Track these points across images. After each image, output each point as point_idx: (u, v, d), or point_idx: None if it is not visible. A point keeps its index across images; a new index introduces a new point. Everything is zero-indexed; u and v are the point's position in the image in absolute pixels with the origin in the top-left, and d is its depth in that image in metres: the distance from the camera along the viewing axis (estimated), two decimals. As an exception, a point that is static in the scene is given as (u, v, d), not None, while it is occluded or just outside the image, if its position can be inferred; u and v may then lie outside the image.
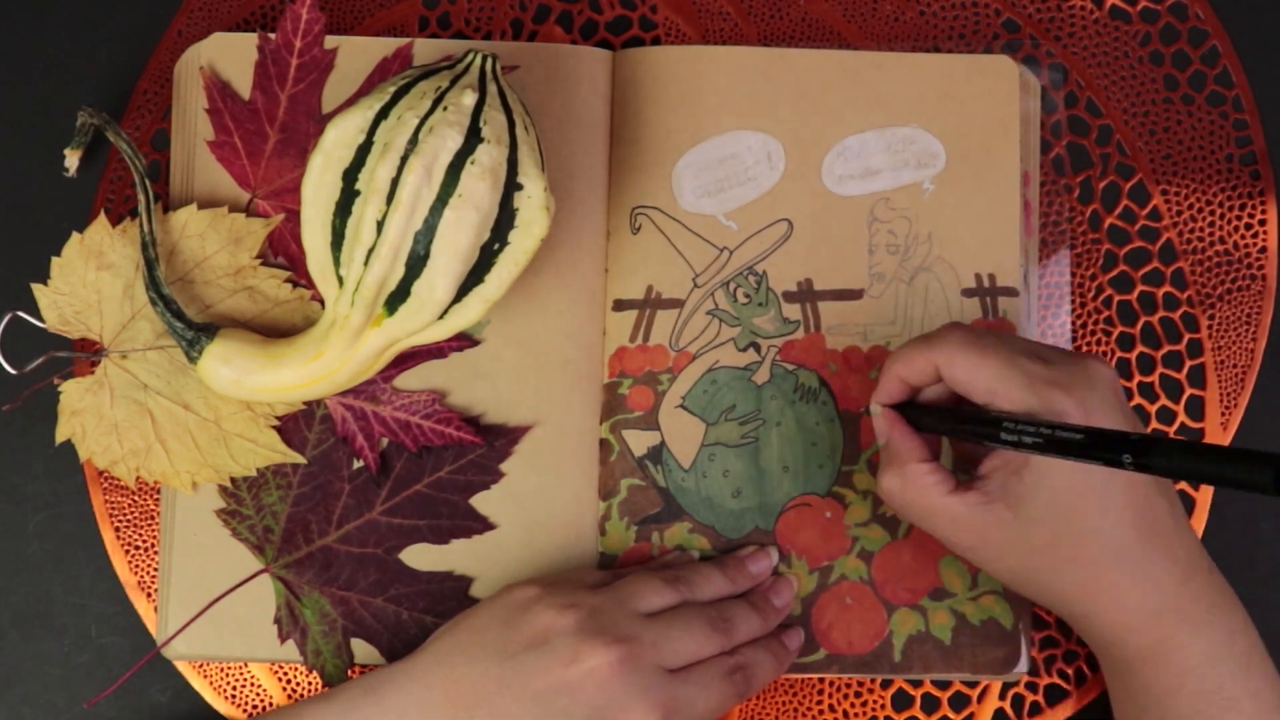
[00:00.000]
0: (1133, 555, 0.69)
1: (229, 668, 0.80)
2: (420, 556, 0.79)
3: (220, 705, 0.80)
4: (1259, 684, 0.70)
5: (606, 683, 0.70)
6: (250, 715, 0.80)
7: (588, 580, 0.75)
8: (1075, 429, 0.64)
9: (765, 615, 0.77)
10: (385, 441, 0.79)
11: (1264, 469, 0.55)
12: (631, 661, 0.70)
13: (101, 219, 0.78)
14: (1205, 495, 0.81)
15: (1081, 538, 0.69)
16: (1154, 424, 0.82)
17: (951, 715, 0.81)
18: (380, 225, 0.70)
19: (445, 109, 0.70)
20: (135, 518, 0.80)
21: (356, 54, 0.80)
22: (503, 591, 0.75)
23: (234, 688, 0.80)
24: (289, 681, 0.80)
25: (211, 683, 0.80)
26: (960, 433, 0.71)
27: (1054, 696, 0.81)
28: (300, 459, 0.78)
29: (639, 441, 0.80)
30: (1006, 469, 0.69)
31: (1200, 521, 0.81)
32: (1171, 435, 0.59)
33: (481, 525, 0.79)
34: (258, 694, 0.80)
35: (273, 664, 0.80)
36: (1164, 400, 0.82)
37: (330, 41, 0.80)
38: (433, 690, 0.71)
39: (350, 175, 0.71)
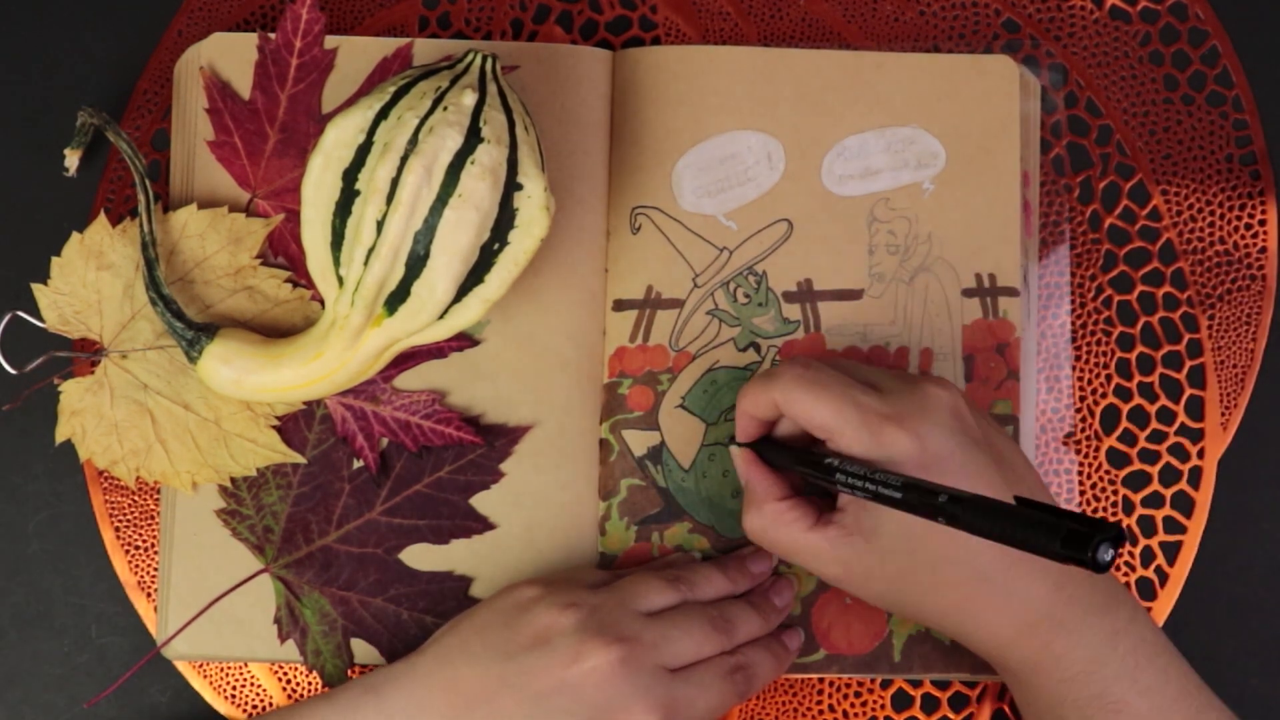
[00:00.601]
0: (995, 574, 0.69)
1: (229, 668, 0.80)
2: (420, 556, 0.79)
3: (220, 705, 0.80)
4: (1150, 680, 0.70)
5: (607, 682, 0.70)
6: (250, 715, 0.80)
7: (588, 580, 0.75)
8: (894, 482, 0.65)
9: (766, 615, 0.77)
10: (385, 441, 0.79)
11: (1052, 535, 0.55)
12: (632, 661, 0.70)
13: (101, 219, 0.78)
14: (1205, 496, 0.81)
15: (938, 564, 0.69)
16: (1154, 424, 0.82)
17: (951, 715, 0.81)
18: (380, 225, 0.70)
19: (445, 109, 0.70)
20: (135, 518, 0.80)
21: (356, 54, 0.80)
22: (504, 591, 0.75)
23: (234, 688, 0.80)
24: (289, 681, 0.80)
25: (211, 683, 0.80)
26: (805, 473, 0.72)
27: (1054, 696, 0.81)
28: (300, 459, 0.78)
29: (639, 441, 0.80)
30: (857, 502, 0.70)
31: (1199, 522, 0.81)
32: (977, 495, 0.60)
33: (481, 525, 0.79)
34: (258, 694, 0.80)
35: (273, 664, 0.80)
36: (1164, 400, 0.82)
37: (330, 41, 0.80)
38: (434, 690, 0.71)
39: (350, 175, 0.71)
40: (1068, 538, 0.54)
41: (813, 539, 0.71)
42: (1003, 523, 0.58)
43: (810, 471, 0.71)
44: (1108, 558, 0.54)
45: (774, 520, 0.73)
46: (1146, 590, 0.81)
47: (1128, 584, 0.80)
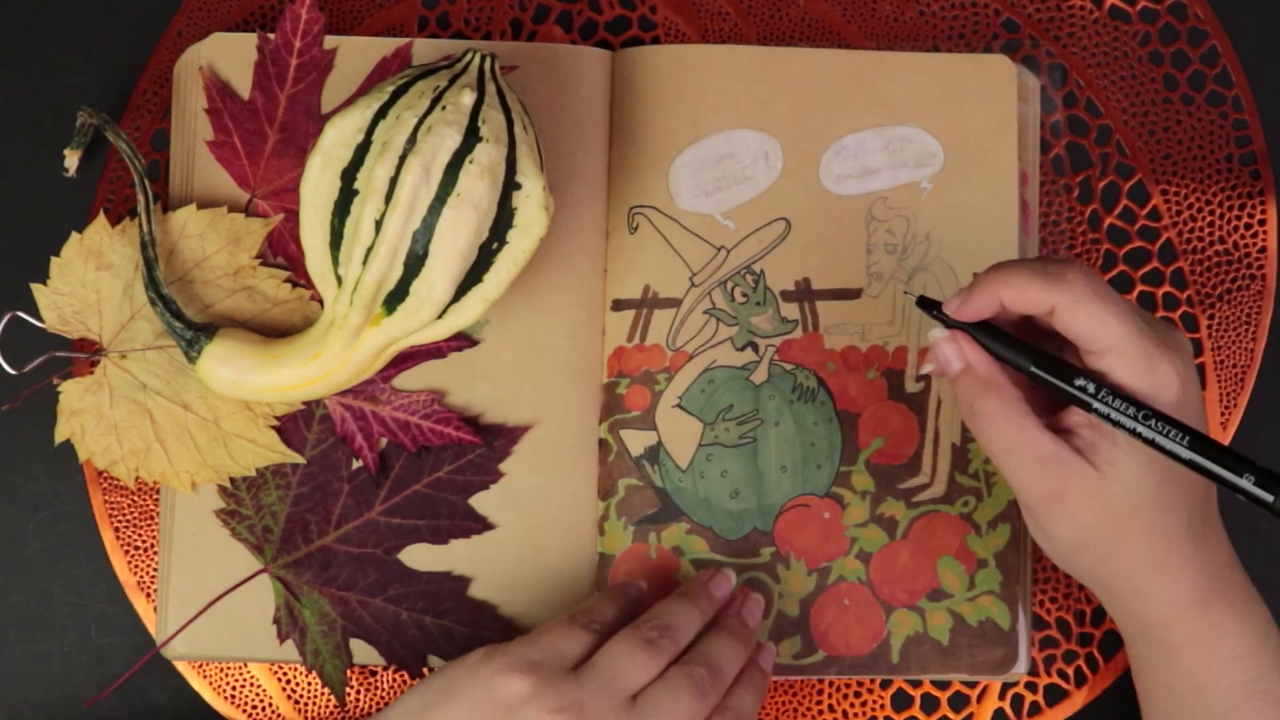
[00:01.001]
0: (1196, 536, 0.68)
1: (229, 668, 0.80)
2: (419, 556, 0.79)
3: (220, 705, 0.80)
4: None
5: None
6: (249, 715, 0.80)
7: (568, 653, 0.71)
8: (1190, 432, 0.63)
9: (745, 640, 0.74)
10: (384, 441, 0.79)
11: None
12: None
13: (101, 219, 0.78)
14: (1205, 496, 0.81)
15: (1164, 510, 0.67)
16: (1154, 424, 0.82)
17: (951, 715, 0.81)
18: (379, 225, 0.70)
19: (444, 108, 0.70)
20: (135, 518, 0.81)
21: (356, 54, 0.80)
22: (484, 674, 0.70)
23: (234, 688, 0.80)
24: (288, 682, 0.80)
25: (211, 683, 0.80)
26: (1047, 379, 0.66)
27: (1054, 696, 0.81)
28: (299, 459, 0.78)
29: (636, 441, 0.80)
30: (1098, 426, 0.66)
31: (1200, 522, 0.81)
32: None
33: (480, 525, 0.79)
34: (257, 694, 0.80)
35: (272, 664, 0.80)
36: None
37: (330, 41, 0.80)
38: None
39: (349, 175, 0.71)
40: None
41: (1046, 441, 0.66)
42: None
43: (1061, 384, 0.66)
44: None
45: (1014, 406, 0.66)
46: (1146, 591, 0.81)
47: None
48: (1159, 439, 0.64)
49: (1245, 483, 0.60)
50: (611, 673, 0.70)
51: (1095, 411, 0.65)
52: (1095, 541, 0.68)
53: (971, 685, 0.81)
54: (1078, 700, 0.80)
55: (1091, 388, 0.65)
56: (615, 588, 0.77)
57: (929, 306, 0.69)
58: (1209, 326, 0.82)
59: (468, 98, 0.71)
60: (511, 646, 0.71)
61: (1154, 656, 0.72)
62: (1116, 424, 0.65)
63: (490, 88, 0.72)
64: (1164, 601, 0.69)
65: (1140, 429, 0.64)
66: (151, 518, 0.81)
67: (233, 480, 0.79)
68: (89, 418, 0.78)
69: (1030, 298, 0.66)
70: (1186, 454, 0.63)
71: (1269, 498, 0.62)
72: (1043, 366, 0.66)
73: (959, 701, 0.81)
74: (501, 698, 0.68)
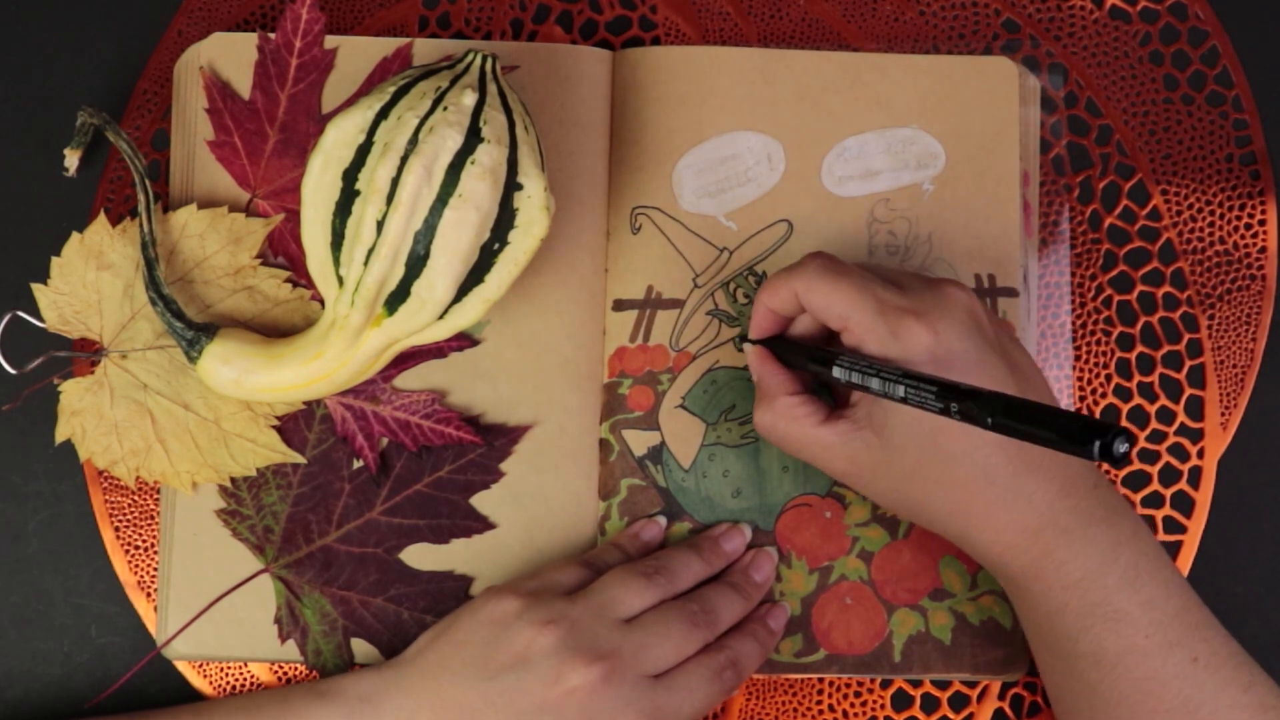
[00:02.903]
0: (1002, 476, 0.69)
1: (229, 668, 0.80)
2: (420, 556, 0.79)
3: (220, 705, 0.80)
4: (1151, 593, 0.69)
5: (589, 701, 0.70)
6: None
7: (565, 582, 0.75)
8: (897, 372, 0.66)
9: (748, 594, 0.77)
10: (385, 441, 0.79)
11: (1067, 428, 0.55)
12: (614, 676, 0.71)
13: (101, 219, 0.78)
14: (1205, 496, 0.81)
15: (948, 461, 0.69)
16: (1154, 424, 0.82)
17: (951, 715, 0.81)
18: (380, 225, 0.70)
19: (445, 109, 0.70)
20: (135, 518, 0.80)
21: (356, 54, 0.80)
22: (482, 600, 0.74)
23: (234, 688, 0.80)
24: (289, 681, 0.80)
25: (211, 683, 0.80)
26: (814, 367, 0.72)
27: (1054, 696, 0.81)
28: (300, 459, 0.78)
29: (639, 441, 0.80)
30: (869, 398, 0.70)
31: (1199, 522, 0.81)
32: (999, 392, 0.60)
33: (481, 525, 0.79)
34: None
35: (273, 664, 0.80)
36: (1164, 400, 0.82)
37: (330, 41, 0.80)
38: (421, 705, 0.72)
39: (350, 175, 0.71)
40: (1082, 431, 0.54)
41: (822, 433, 0.72)
42: (1020, 417, 0.57)
43: (821, 368, 0.71)
44: (1123, 449, 0.54)
45: (784, 414, 0.73)
46: (1146, 590, 0.81)
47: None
48: (888, 388, 0.66)
49: (954, 418, 0.62)
50: (604, 595, 0.73)
51: (850, 378, 0.69)
52: (900, 501, 0.72)
53: (972, 685, 0.81)
54: (1078, 699, 0.81)
55: (845, 361, 0.69)
56: (622, 535, 0.79)
57: (743, 338, 0.78)
58: (1209, 326, 0.82)
59: (469, 98, 0.71)
60: (511, 580, 0.76)
61: (1006, 587, 0.73)
62: (864, 388, 0.68)
63: (491, 88, 0.72)
64: (987, 542, 0.71)
65: (872, 384, 0.67)
66: (152, 518, 0.80)
67: (233, 480, 0.78)
68: (89, 418, 0.77)
69: (781, 295, 0.73)
70: (900, 392, 0.65)
71: (955, 406, 0.62)
72: (812, 358, 0.72)
73: (959, 701, 0.81)
74: (495, 615, 0.73)
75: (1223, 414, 0.82)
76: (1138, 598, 0.69)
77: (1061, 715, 0.74)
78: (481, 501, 0.79)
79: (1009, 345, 0.72)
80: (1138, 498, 0.81)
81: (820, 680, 0.80)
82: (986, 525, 0.70)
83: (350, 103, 0.79)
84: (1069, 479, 0.70)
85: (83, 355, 0.78)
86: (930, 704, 0.81)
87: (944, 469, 0.69)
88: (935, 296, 0.70)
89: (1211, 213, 0.82)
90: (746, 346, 0.76)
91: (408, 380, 0.79)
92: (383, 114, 0.71)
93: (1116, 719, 0.70)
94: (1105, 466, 0.77)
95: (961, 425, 0.67)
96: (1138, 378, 0.82)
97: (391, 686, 0.73)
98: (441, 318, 0.73)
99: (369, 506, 0.79)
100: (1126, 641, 0.69)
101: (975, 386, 0.61)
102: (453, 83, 0.71)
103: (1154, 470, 0.82)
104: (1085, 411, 0.82)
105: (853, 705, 0.81)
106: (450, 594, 0.78)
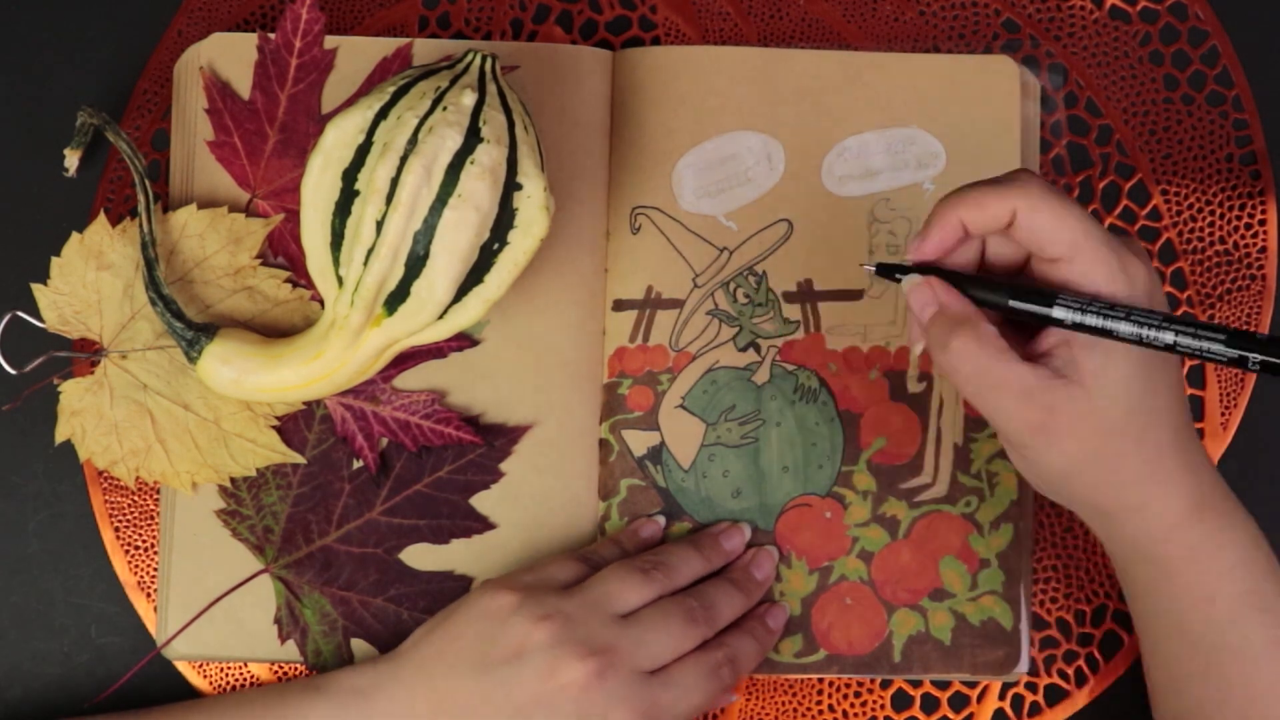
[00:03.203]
0: (1184, 441, 0.66)
1: (229, 668, 0.80)
2: (420, 556, 0.79)
3: (220, 705, 0.80)
4: None
5: (584, 695, 0.70)
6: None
7: (561, 577, 0.75)
8: (1158, 316, 0.61)
9: (747, 591, 0.77)
10: (385, 441, 0.79)
11: None
12: (608, 672, 0.70)
13: (101, 219, 0.78)
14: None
15: (1152, 419, 0.65)
16: (1154, 424, 0.82)
17: (951, 715, 0.81)
18: (380, 225, 0.70)
19: (445, 109, 0.70)
20: (135, 518, 0.80)
21: (356, 54, 0.80)
22: (478, 594, 0.74)
23: (234, 688, 0.80)
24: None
25: (211, 683, 0.80)
26: (1021, 305, 0.64)
27: (1054, 696, 0.81)
28: (300, 459, 0.78)
29: (639, 441, 0.80)
30: (1075, 344, 0.64)
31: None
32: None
33: (481, 525, 0.79)
34: (258, 694, 0.80)
35: (273, 664, 0.80)
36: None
37: (330, 41, 0.80)
38: (417, 699, 0.72)
39: (350, 175, 0.71)
40: None
41: (1025, 373, 0.63)
42: None
43: (1036, 306, 0.64)
44: None
45: (989, 344, 0.64)
46: (1146, 590, 0.81)
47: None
48: (1146, 333, 0.62)
49: (1232, 352, 0.59)
50: (600, 590, 0.73)
51: (1080, 327, 0.63)
52: (1087, 464, 0.66)
53: (972, 685, 0.81)
54: (1078, 700, 0.81)
55: (1074, 301, 0.63)
56: (621, 533, 0.79)
57: (889, 271, 0.68)
58: (1209, 326, 0.82)
59: (469, 98, 0.71)
60: (507, 574, 0.76)
61: (1152, 577, 0.69)
62: (1103, 331, 0.62)
63: (491, 88, 0.72)
64: (1159, 513, 0.67)
65: (1122, 328, 0.62)
66: (152, 518, 0.80)
67: (233, 480, 0.78)
68: (89, 418, 0.77)
69: (989, 209, 0.64)
70: (1170, 338, 0.61)
71: (1257, 357, 0.60)
72: (1020, 296, 0.65)
73: (959, 701, 0.81)
74: (491, 609, 0.72)
75: (1223, 414, 0.82)
76: (1279, 589, 0.68)
77: (1176, 714, 0.71)
78: (481, 501, 0.79)
79: None
80: (1138, 498, 0.81)
81: (820, 680, 0.80)
82: (1168, 492, 0.66)
83: (350, 103, 0.79)
84: (1210, 461, 0.68)
85: (83, 355, 0.78)
86: (930, 704, 0.81)
87: (1145, 427, 0.65)
88: (1136, 242, 0.66)
89: (1211, 213, 0.82)
90: (911, 278, 0.66)
91: (408, 380, 0.79)
92: (382, 114, 0.71)
93: (1248, 717, 0.68)
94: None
95: (1169, 381, 0.64)
96: (1138, 378, 0.82)
97: (386, 680, 0.73)
98: (441, 318, 0.73)
99: (369, 506, 0.79)
100: (1273, 634, 0.67)
101: (1273, 335, 0.59)
102: (452, 83, 0.71)
103: (1154, 470, 0.81)
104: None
105: (853, 705, 0.81)
106: (450, 594, 0.78)
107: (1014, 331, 0.67)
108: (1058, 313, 0.63)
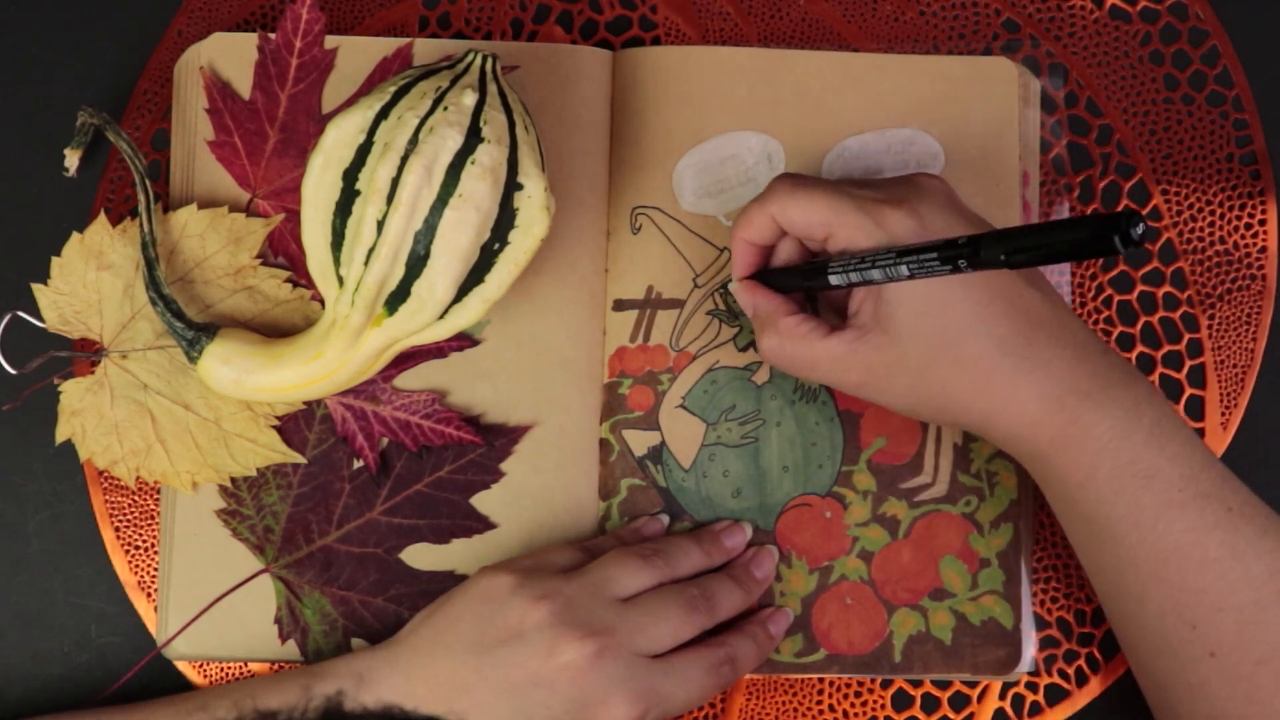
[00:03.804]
0: (1016, 346, 0.69)
1: (229, 668, 0.80)
2: (421, 556, 0.79)
3: (220, 705, 0.80)
4: (1176, 449, 0.69)
5: (582, 675, 0.70)
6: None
7: (561, 562, 0.75)
8: (894, 251, 0.66)
9: (747, 587, 0.77)
10: (385, 441, 0.79)
11: (1079, 228, 0.55)
12: (608, 653, 0.71)
13: (101, 219, 0.78)
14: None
15: (960, 340, 0.69)
16: (1154, 424, 0.82)
17: (951, 715, 0.81)
18: (380, 225, 0.70)
19: (445, 109, 0.70)
20: (135, 518, 0.80)
21: (356, 54, 0.80)
22: (477, 578, 0.74)
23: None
24: (289, 681, 0.80)
25: (212, 683, 0.80)
26: (808, 283, 0.72)
27: (1054, 696, 0.81)
28: (300, 459, 0.78)
29: (639, 441, 0.80)
30: (870, 298, 0.70)
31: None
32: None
33: (482, 525, 0.79)
34: (258, 694, 0.80)
35: (273, 664, 0.80)
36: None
37: (330, 41, 0.80)
38: (415, 681, 0.72)
39: (350, 175, 0.71)
40: (1097, 227, 0.55)
41: (830, 344, 0.71)
42: (1029, 239, 0.58)
43: (817, 280, 0.71)
44: (1139, 230, 0.54)
45: (790, 334, 0.72)
46: (1146, 590, 0.81)
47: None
48: (891, 271, 0.67)
49: (962, 269, 0.63)
50: (601, 574, 0.73)
51: (848, 284, 0.69)
52: (920, 398, 0.71)
53: (972, 685, 0.81)
54: (1078, 700, 0.81)
55: (838, 265, 0.70)
56: (623, 529, 0.79)
57: (725, 286, 0.79)
58: (1209, 326, 0.82)
59: (469, 98, 0.71)
60: (507, 559, 0.77)
61: (1034, 468, 0.72)
62: (868, 282, 0.69)
63: (492, 88, 0.72)
64: (1009, 417, 0.70)
65: (874, 275, 0.68)
66: (152, 518, 0.80)
67: (234, 480, 0.78)
68: (90, 418, 0.77)
69: (756, 222, 0.73)
70: (905, 271, 0.66)
71: (964, 263, 0.63)
72: (804, 275, 0.72)
73: (959, 701, 0.81)
74: (489, 591, 0.72)
75: (1223, 414, 0.82)
76: (1165, 453, 0.69)
77: (1106, 596, 0.73)
78: (481, 501, 0.79)
79: (983, 220, 0.72)
80: (1138, 498, 0.81)
81: (820, 680, 0.80)
82: (1011, 398, 0.70)
83: (350, 103, 0.79)
84: (1080, 344, 0.70)
85: (83, 355, 0.78)
86: (930, 704, 0.81)
87: (958, 349, 0.69)
88: (909, 185, 0.71)
89: (1211, 213, 0.82)
90: (734, 286, 0.75)
91: (408, 380, 0.79)
92: (383, 114, 0.71)
93: (1162, 579, 0.69)
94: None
95: (967, 299, 0.68)
96: (1138, 378, 0.82)
97: (384, 664, 0.73)
98: (442, 318, 0.73)
99: (369, 506, 0.79)
100: (1162, 498, 0.69)
101: (971, 234, 0.62)
102: (453, 83, 0.71)
103: (1154, 470, 0.81)
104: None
105: (853, 705, 0.81)
106: (450, 594, 0.78)
107: (838, 308, 0.76)
108: (833, 279, 0.70)
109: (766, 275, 0.75)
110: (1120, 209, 0.53)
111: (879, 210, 0.69)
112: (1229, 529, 0.68)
